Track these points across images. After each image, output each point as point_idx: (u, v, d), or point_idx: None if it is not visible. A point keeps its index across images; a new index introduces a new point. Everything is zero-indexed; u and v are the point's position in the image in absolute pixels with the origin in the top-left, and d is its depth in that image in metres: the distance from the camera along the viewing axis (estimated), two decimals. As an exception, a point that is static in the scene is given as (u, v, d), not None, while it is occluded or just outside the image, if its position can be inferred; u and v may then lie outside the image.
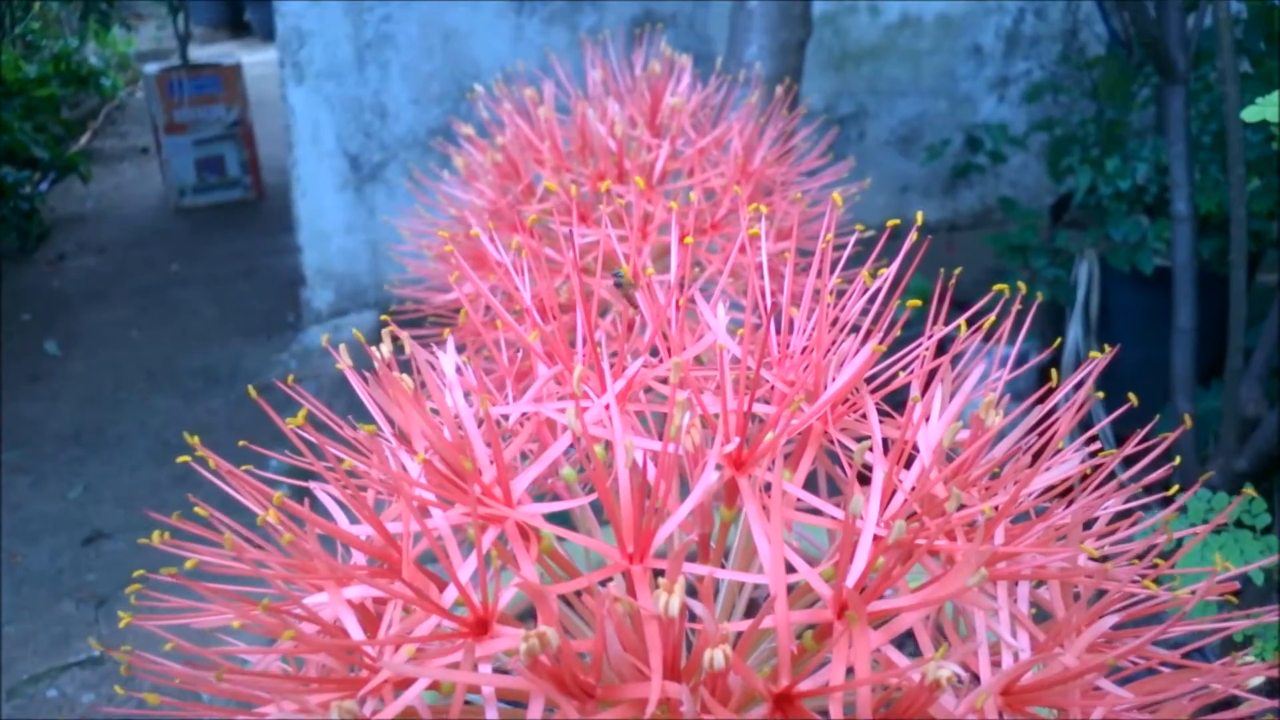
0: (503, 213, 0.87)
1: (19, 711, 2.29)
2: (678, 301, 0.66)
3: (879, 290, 0.58)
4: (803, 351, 0.54)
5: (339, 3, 3.45)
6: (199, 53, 5.84)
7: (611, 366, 0.50)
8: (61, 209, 5.10)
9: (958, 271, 0.57)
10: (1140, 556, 0.49)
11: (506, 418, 0.51)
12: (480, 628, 0.43)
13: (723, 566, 0.48)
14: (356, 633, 0.41)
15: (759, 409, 0.49)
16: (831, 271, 0.58)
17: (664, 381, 0.51)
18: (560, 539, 0.44)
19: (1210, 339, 2.22)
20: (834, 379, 0.50)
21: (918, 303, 0.56)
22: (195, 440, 0.59)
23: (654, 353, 0.60)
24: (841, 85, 3.91)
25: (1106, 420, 0.56)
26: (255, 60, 6.50)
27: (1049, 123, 3.01)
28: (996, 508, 0.43)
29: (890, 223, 0.63)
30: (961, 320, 0.53)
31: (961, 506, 0.43)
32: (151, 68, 5.20)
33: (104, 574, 2.67)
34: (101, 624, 2.51)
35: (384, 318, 0.60)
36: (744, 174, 0.91)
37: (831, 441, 0.50)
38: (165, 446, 3.19)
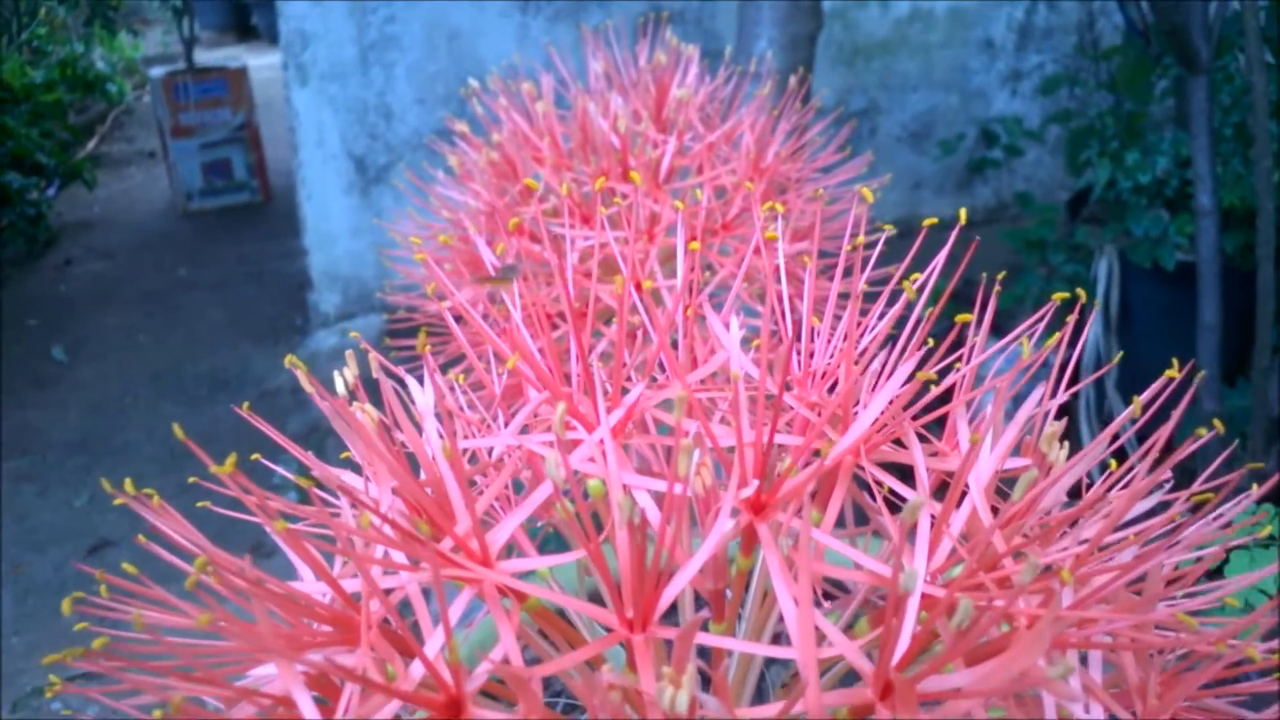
0: (499, 215, 0.82)
1: (25, 724, 2.26)
2: (685, 310, 0.62)
3: (907, 297, 0.52)
4: (828, 367, 0.48)
5: (342, 4, 3.41)
6: (206, 56, 5.81)
7: (609, 391, 0.44)
8: (68, 214, 5.08)
9: (1001, 277, 0.52)
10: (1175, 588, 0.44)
11: (490, 451, 0.45)
12: (452, 709, 0.37)
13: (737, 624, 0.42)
14: (310, 714, 0.35)
15: (780, 438, 0.43)
16: (859, 274, 0.52)
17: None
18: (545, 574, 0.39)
19: (1233, 336, 2.16)
20: (867, 401, 0.44)
21: (968, 317, 0.50)
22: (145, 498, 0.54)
23: (663, 366, 0.55)
24: (852, 80, 3.85)
25: (1185, 452, 0.49)
26: (262, 63, 6.47)
27: (1066, 114, 2.95)
28: (1069, 565, 0.37)
29: (927, 221, 0.58)
30: (1021, 336, 0.47)
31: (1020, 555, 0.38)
32: (157, 71, 5.17)
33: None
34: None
35: (354, 334, 0.56)
36: (756, 170, 0.85)
37: (862, 471, 0.44)
38: (171, 454, 3.16)
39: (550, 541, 0.60)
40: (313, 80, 3.48)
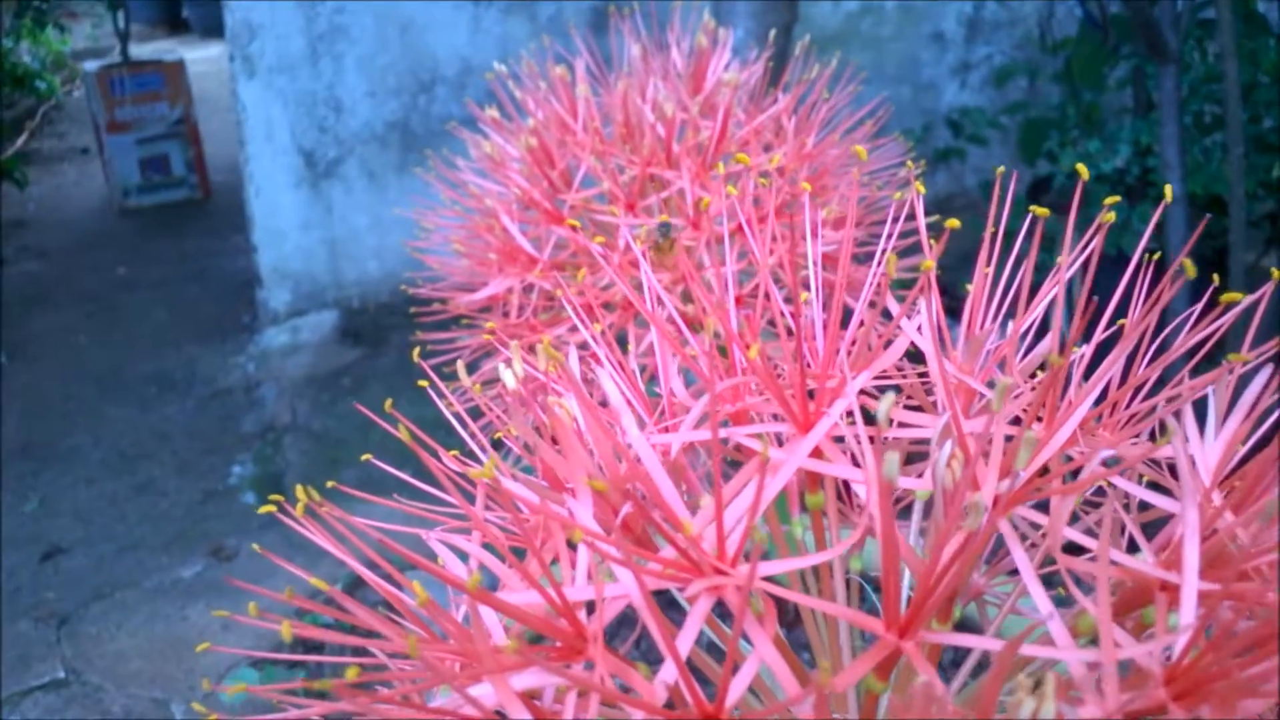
0: (536, 203, 0.80)
1: (-22, 738, 2.19)
2: (738, 298, 0.61)
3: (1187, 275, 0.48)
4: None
5: (290, -6, 3.34)
6: (137, 50, 5.66)
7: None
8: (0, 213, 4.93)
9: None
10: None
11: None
12: (709, 728, 0.33)
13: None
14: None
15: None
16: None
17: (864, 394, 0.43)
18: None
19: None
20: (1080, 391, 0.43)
21: (1239, 296, 0.49)
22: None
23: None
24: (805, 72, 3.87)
25: None
26: (195, 57, 6.33)
27: (1023, 105, 2.98)
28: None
29: (1039, 210, 0.57)
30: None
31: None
32: (92, 65, 5.03)
33: (64, 591, 2.55)
34: (64, 644, 2.40)
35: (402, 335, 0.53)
36: (800, 156, 0.84)
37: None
38: (121, 457, 3.07)
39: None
40: (260, 73, 3.40)
